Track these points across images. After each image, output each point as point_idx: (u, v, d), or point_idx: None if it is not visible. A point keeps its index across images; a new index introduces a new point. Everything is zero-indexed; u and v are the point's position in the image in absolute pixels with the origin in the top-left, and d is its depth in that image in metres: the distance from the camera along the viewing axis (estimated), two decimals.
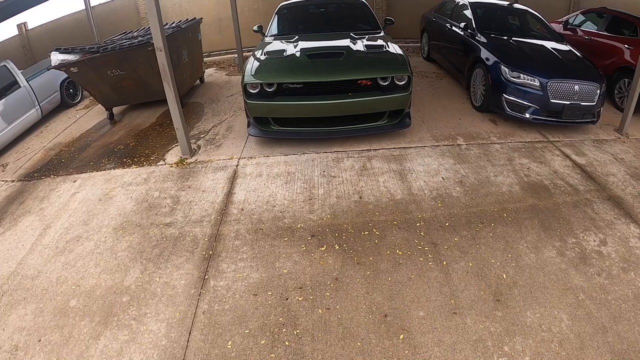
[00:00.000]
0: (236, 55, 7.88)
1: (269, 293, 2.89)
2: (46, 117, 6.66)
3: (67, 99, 7.13)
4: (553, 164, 4.35)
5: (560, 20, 7.62)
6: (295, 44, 4.84)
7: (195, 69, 6.73)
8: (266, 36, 5.56)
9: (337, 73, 4.22)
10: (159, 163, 4.73)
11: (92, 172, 4.73)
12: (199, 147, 4.95)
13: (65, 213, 3.97)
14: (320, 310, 2.74)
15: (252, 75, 4.32)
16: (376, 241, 3.23)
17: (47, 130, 6.36)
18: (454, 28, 6.37)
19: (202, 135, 5.23)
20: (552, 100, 4.77)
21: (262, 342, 2.59)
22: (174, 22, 6.56)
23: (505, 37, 5.64)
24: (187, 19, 6.77)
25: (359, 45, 4.70)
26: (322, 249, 3.20)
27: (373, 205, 3.63)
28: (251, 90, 4.36)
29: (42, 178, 4.75)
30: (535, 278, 2.96)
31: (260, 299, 2.86)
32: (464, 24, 5.86)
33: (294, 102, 4.26)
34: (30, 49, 9.38)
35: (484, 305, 2.76)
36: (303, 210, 3.62)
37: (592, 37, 6.60)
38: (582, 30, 6.93)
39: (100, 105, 6.36)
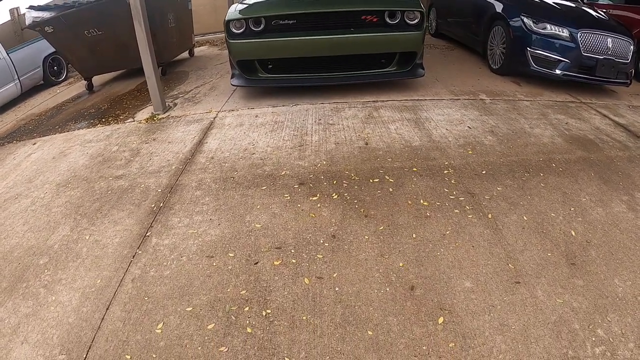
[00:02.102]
0: None
1: (231, 255, 1.77)
2: (27, 93, 5.60)
3: (50, 76, 6.06)
4: (593, 121, 3.26)
5: None
6: None
7: (183, 38, 5.67)
8: None
9: (336, 3, 3.16)
10: (127, 121, 3.63)
11: (55, 134, 3.64)
12: (175, 104, 3.84)
13: (14, 173, 2.93)
14: (306, 280, 1.61)
15: (236, 12, 3.26)
16: (390, 190, 2.10)
17: (25, 105, 5.30)
18: None
19: (181, 95, 4.12)
20: (584, 54, 3.71)
21: (210, 326, 1.46)
22: None
23: None
24: None
25: None
26: (314, 198, 2.07)
27: (383, 151, 2.50)
28: (235, 30, 3.28)
29: (4, 145, 3.69)
30: (612, 236, 1.89)
31: (216, 263, 1.73)
32: None
33: (286, 39, 3.17)
34: (22, 35, 8.37)
35: (557, 270, 1.66)
36: (291, 157, 2.50)
37: (611, 10, 5.68)
38: (600, 5, 6.01)
39: (83, 81, 5.31)
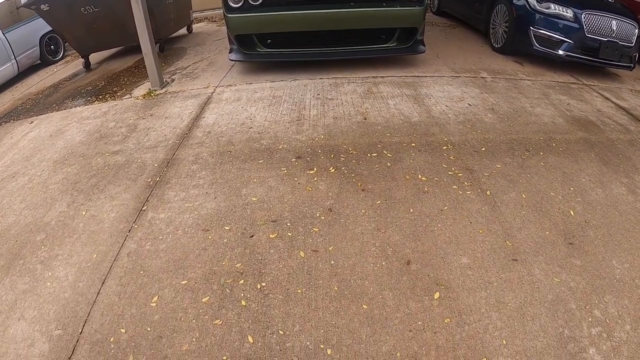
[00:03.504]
0: None
1: (227, 228, 1.70)
2: (24, 73, 5.40)
3: (47, 55, 5.83)
4: (594, 104, 3.14)
5: None
6: None
7: (181, 15, 5.44)
8: None
9: None
10: (125, 97, 3.50)
11: (52, 112, 3.51)
12: (172, 80, 3.70)
13: (12, 152, 2.83)
14: (302, 253, 1.55)
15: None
16: (388, 164, 2.02)
17: (22, 85, 5.11)
18: None
19: (178, 71, 3.97)
20: (588, 35, 3.55)
21: (205, 299, 1.41)
22: None
23: None
24: None
25: None
26: (311, 172, 1.98)
27: (382, 126, 2.40)
28: (233, 4, 3.10)
29: (1, 124, 3.56)
30: (611, 217, 1.82)
31: (212, 236, 1.66)
32: None
33: (284, 13, 3.00)
34: (17, 15, 8.04)
35: (554, 249, 1.60)
36: (288, 131, 2.39)
37: None
38: None
39: (81, 59, 5.11)
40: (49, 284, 1.60)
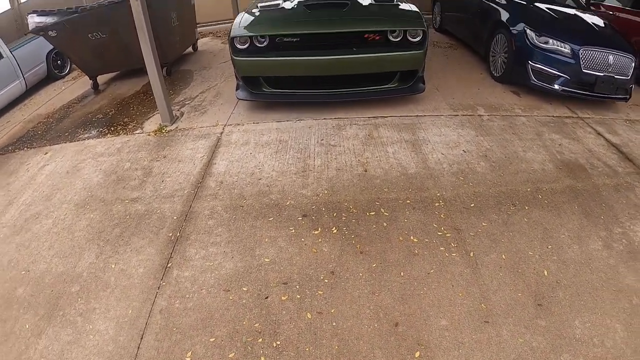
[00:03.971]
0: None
1: (245, 289, 2.10)
2: (32, 89, 5.82)
3: (54, 70, 6.23)
4: (586, 142, 3.49)
5: None
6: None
7: (186, 35, 5.79)
8: None
9: (339, 24, 3.34)
10: (136, 132, 3.90)
11: (65, 143, 3.93)
12: (182, 114, 4.09)
13: (30, 188, 3.24)
14: (309, 315, 1.95)
15: (240, 28, 3.44)
16: (385, 224, 2.41)
17: (31, 103, 5.53)
18: None
19: (187, 102, 4.35)
20: (584, 70, 3.87)
21: (231, 355, 1.82)
22: None
23: (529, 2, 4.69)
24: None
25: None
26: (316, 232, 2.38)
27: (381, 179, 2.79)
28: (239, 46, 3.47)
29: (15, 151, 4.00)
30: (582, 276, 2.18)
31: (232, 297, 2.07)
32: None
33: (289, 58, 3.38)
34: (22, 23, 8.41)
35: (524, 311, 1.98)
36: (295, 184, 2.79)
37: (617, 13, 5.69)
38: (606, 6, 6.00)
39: (87, 77, 5.50)
40: (91, 336, 2.01)
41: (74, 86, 5.88)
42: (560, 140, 3.45)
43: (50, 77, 6.18)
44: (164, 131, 3.76)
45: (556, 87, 3.97)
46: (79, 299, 2.20)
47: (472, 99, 4.02)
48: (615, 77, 3.93)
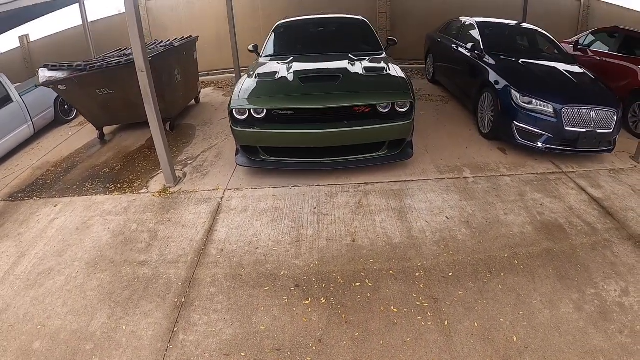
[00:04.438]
0: (234, 75, 7.65)
1: (242, 354, 2.52)
2: (39, 133, 6.49)
3: (61, 115, 6.95)
4: (568, 199, 3.95)
5: (569, 40, 7.32)
6: (289, 65, 4.56)
7: (189, 89, 6.48)
8: (261, 56, 5.29)
9: (331, 99, 3.90)
10: (142, 191, 4.44)
11: (74, 196, 4.47)
12: (184, 174, 4.64)
13: (42, 241, 3.71)
14: None
15: (239, 99, 4.03)
16: (368, 294, 2.85)
17: (39, 147, 6.16)
18: (460, 49, 6.04)
19: (189, 162, 4.93)
20: (566, 128, 4.39)
21: None
22: (168, 40, 6.35)
23: (515, 59, 5.29)
24: (183, 37, 6.55)
25: (358, 68, 4.40)
26: (307, 302, 2.82)
27: (367, 250, 3.25)
28: (238, 117, 4.06)
29: (25, 199, 4.53)
30: (550, 340, 2.56)
31: None
32: (471, 44, 5.55)
33: (285, 131, 3.94)
34: (31, 62, 9.30)
35: None
36: (289, 254, 3.26)
37: (604, 58, 6.31)
38: (593, 51, 6.63)
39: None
40: None
41: (80, 133, 6.52)
42: (542, 200, 3.92)
43: (57, 121, 6.85)
44: (167, 193, 4.30)
45: (540, 145, 4.48)
46: (94, 357, 2.60)
47: (460, 159, 4.54)
48: (598, 131, 4.43)
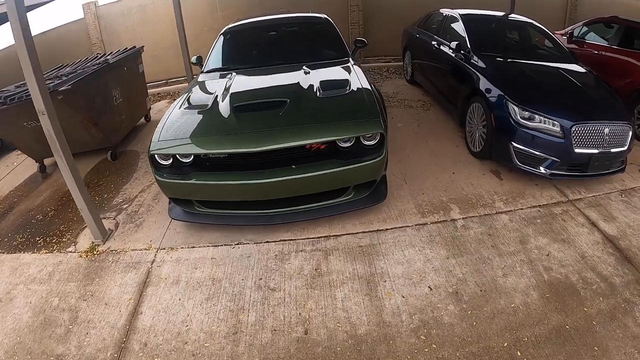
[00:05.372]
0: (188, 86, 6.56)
1: None
2: None
3: (6, 142, 5.96)
4: (579, 242, 3.05)
5: (562, 32, 6.28)
6: (229, 84, 3.57)
7: (135, 108, 5.43)
8: (203, 71, 4.26)
9: (271, 138, 2.86)
10: (69, 249, 3.53)
11: (2, 253, 3.59)
12: (116, 225, 3.70)
13: None
14: None
15: (159, 141, 3.02)
16: None
17: None
18: (442, 48, 4.98)
19: (125, 205, 3.96)
20: (576, 150, 3.42)
21: None
22: (102, 56, 5.25)
23: (508, 60, 4.26)
24: (126, 49, 5.47)
25: (313, 85, 3.40)
26: None
27: (323, 347, 2.34)
28: (162, 162, 3.07)
29: None
30: None
31: None
32: (455, 43, 4.48)
33: (218, 182, 2.96)
34: None
35: None
36: (223, 354, 2.35)
37: (602, 52, 5.28)
38: (590, 44, 5.60)
39: None
40: None
41: (26, 163, 5.57)
42: (548, 247, 3.00)
43: (5, 148, 5.91)
44: (95, 252, 3.37)
45: (543, 170, 3.53)
46: None
47: (446, 191, 3.58)
48: (612, 150, 3.49)
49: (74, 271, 3.24)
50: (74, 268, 3.27)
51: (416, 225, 3.20)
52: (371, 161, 2.94)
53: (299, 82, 3.42)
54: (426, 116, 4.94)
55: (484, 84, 3.94)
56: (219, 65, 4.24)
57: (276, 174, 2.85)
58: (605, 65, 5.03)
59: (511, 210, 3.36)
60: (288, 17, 4.86)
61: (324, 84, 3.39)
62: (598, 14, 6.10)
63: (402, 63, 6.58)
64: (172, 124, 3.16)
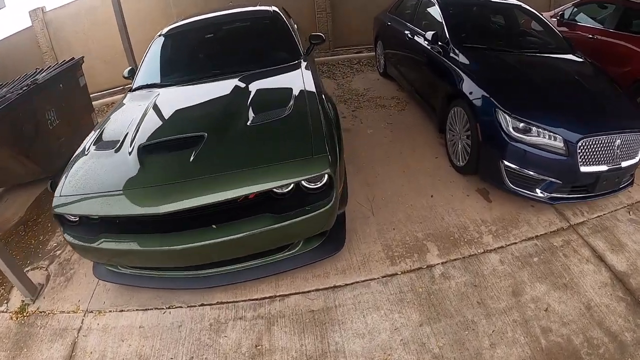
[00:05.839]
0: None
1: None
2: None
3: None
4: (584, 287, 2.43)
5: (550, 13, 5.51)
6: (147, 110, 2.81)
7: (77, 127, 4.65)
8: (131, 88, 3.44)
9: (176, 194, 2.08)
10: (1, 308, 2.91)
11: None
12: (48, 278, 3.04)
13: None
14: None
15: (61, 196, 2.28)
16: None
17: None
18: (417, 38, 4.13)
19: (58, 252, 3.25)
20: (582, 170, 2.69)
21: None
22: (30, 74, 4.44)
23: (495, 52, 3.45)
24: (64, 61, 4.66)
25: (246, 104, 2.62)
26: None
27: None
28: (70, 217, 2.36)
29: None
30: None
31: None
32: (431, 33, 3.63)
33: (126, 248, 2.22)
34: None
35: None
36: None
37: (598, 36, 4.59)
38: (583, 27, 4.87)
39: None
40: None
41: None
42: (547, 298, 2.34)
43: None
44: (25, 313, 2.77)
45: (540, 194, 2.82)
46: None
47: (422, 223, 2.86)
48: (622, 165, 2.76)
49: (4, 337, 2.64)
50: (5, 333, 2.68)
51: (383, 277, 2.49)
52: (316, 212, 2.16)
53: (227, 105, 2.65)
54: (401, 118, 4.15)
55: (467, 84, 3.14)
56: (147, 81, 3.39)
57: (195, 236, 2.10)
58: (600, 51, 4.33)
59: (502, 247, 2.67)
60: (230, 14, 3.96)
61: (259, 104, 2.60)
62: None
63: (374, 53, 5.69)
64: (75, 173, 2.41)
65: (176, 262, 2.28)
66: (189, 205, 2.05)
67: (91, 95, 6.28)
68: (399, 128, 4.09)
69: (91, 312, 2.70)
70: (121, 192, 2.15)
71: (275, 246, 2.33)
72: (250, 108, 2.57)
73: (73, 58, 4.79)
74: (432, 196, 3.11)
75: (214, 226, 2.11)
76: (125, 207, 2.11)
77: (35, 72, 4.62)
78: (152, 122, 2.65)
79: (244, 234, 2.09)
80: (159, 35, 3.76)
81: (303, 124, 2.37)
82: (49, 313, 2.77)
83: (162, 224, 2.15)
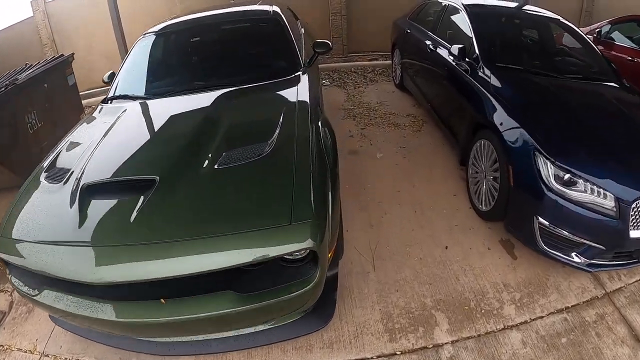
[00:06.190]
0: None
1: None
2: None
3: None
4: None
5: (585, 30, 4.88)
6: (104, 135, 2.31)
7: (63, 130, 4.24)
8: (105, 98, 2.93)
9: (115, 260, 1.59)
10: None
11: None
12: (10, 305, 2.67)
13: None
14: None
15: (1, 236, 1.85)
16: None
17: None
18: (439, 51, 3.52)
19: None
20: (632, 235, 2.12)
21: None
22: (12, 73, 4.01)
23: (533, 76, 2.85)
24: (54, 57, 4.24)
25: (219, 134, 2.09)
26: None
27: None
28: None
29: None
30: None
31: None
32: (457, 47, 3.04)
33: (66, 310, 1.74)
34: None
35: None
36: None
37: (637, 59, 3.97)
38: (622, 48, 4.27)
39: None
40: None
41: None
42: None
43: None
44: None
45: (577, 259, 2.25)
46: None
47: (432, 284, 2.34)
48: None
49: None
50: None
51: (378, 357, 1.99)
52: (293, 293, 1.62)
53: (196, 134, 2.12)
54: (416, 140, 3.57)
55: (498, 114, 2.57)
56: (121, 91, 2.89)
57: (140, 310, 1.62)
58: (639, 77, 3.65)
59: (526, 322, 2.14)
60: (222, 14, 3.42)
61: (234, 137, 2.08)
62: (617, 5, 4.82)
63: (390, 61, 5.05)
64: (19, 208, 1.96)
65: (125, 333, 1.84)
66: (123, 279, 1.56)
67: (91, 92, 5.93)
68: (414, 154, 3.53)
69: (47, 356, 2.32)
70: (54, 244, 1.69)
71: (240, 328, 1.84)
72: (224, 141, 2.04)
73: (62, 55, 4.37)
74: (446, 247, 2.57)
75: (162, 301, 1.61)
76: (55, 266, 1.65)
77: (23, 68, 4.23)
78: (107, 151, 2.15)
79: (197, 315, 1.58)
80: (142, 37, 3.23)
81: (284, 170, 1.82)
82: (7, 348, 2.41)
83: (104, 289, 1.70)
